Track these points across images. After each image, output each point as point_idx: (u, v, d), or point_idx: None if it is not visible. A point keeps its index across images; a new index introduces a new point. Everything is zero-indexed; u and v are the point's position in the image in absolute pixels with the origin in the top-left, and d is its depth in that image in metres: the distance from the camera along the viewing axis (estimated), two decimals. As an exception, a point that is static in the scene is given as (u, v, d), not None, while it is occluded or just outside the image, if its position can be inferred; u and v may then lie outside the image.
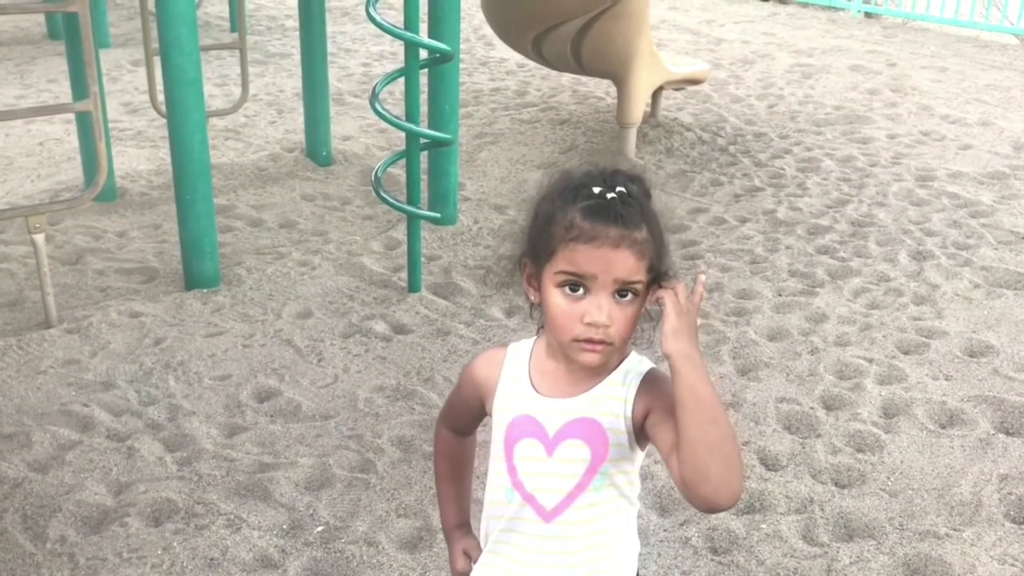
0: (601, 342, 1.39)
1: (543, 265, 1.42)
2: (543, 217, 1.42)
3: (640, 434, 1.46)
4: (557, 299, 1.40)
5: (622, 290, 1.38)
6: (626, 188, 1.40)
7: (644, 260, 1.37)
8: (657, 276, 1.41)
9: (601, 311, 1.37)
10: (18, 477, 2.81)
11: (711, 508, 1.33)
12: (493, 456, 1.55)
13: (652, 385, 1.46)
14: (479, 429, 1.72)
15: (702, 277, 1.41)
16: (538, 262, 1.43)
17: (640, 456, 1.51)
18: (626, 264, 1.36)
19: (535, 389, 1.51)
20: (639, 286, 1.39)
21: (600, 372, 1.47)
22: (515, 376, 1.53)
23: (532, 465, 1.49)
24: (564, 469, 1.47)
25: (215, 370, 3.42)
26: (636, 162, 5.64)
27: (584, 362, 1.42)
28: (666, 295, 1.36)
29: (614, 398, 1.46)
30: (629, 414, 1.45)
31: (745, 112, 6.81)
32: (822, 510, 2.77)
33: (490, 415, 1.58)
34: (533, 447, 1.49)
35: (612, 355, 1.44)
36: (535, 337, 1.56)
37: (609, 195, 1.38)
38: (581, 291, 1.39)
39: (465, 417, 1.68)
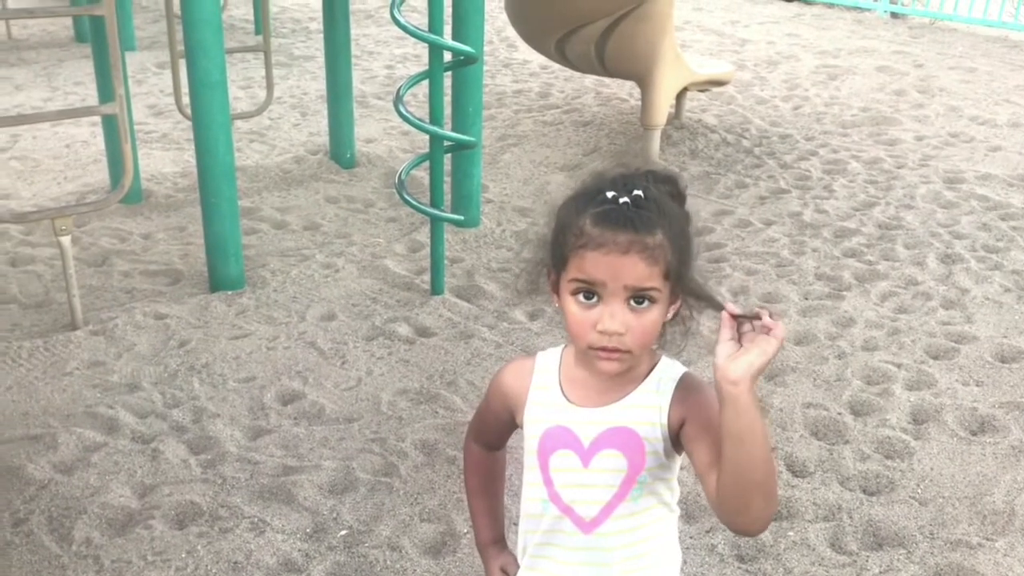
0: (616, 350, 1.36)
1: (560, 272, 1.40)
2: (560, 224, 1.40)
3: (676, 441, 1.44)
4: (572, 307, 1.38)
5: (637, 297, 1.34)
6: (644, 191, 1.35)
7: (658, 265, 1.33)
8: (679, 282, 1.37)
9: (614, 319, 1.34)
10: (44, 479, 2.82)
11: (743, 534, 1.34)
12: (527, 468, 1.53)
13: (687, 393, 1.43)
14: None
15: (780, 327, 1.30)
16: (556, 269, 1.41)
17: (678, 461, 1.48)
18: (635, 270, 1.32)
19: (567, 399, 1.48)
20: (655, 293, 1.35)
21: (632, 379, 1.44)
22: (545, 386, 1.51)
23: (568, 476, 1.47)
24: (601, 479, 1.45)
25: (239, 372, 3.42)
26: (664, 166, 5.61)
27: (602, 370, 1.39)
28: (776, 338, 1.26)
29: (649, 406, 1.43)
30: (665, 421, 1.42)
31: (770, 114, 6.75)
32: (851, 518, 2.73)
33: (521, 427, 1.56)
34: (568, 458, 1.46)
35: (634, 362, 1.41)
36: (563, 345, 1.54)
37: (621, 199, 1.34)
38: (595, 299, 1.36)
39: (495, 430, 1.65)
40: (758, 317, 1.28)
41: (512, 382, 1.55)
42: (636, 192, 1.35)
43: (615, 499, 1.45)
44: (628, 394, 1.44)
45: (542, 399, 1.51)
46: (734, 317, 1.30)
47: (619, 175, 1.40)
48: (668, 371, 1.46)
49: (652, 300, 1.35)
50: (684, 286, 1.39)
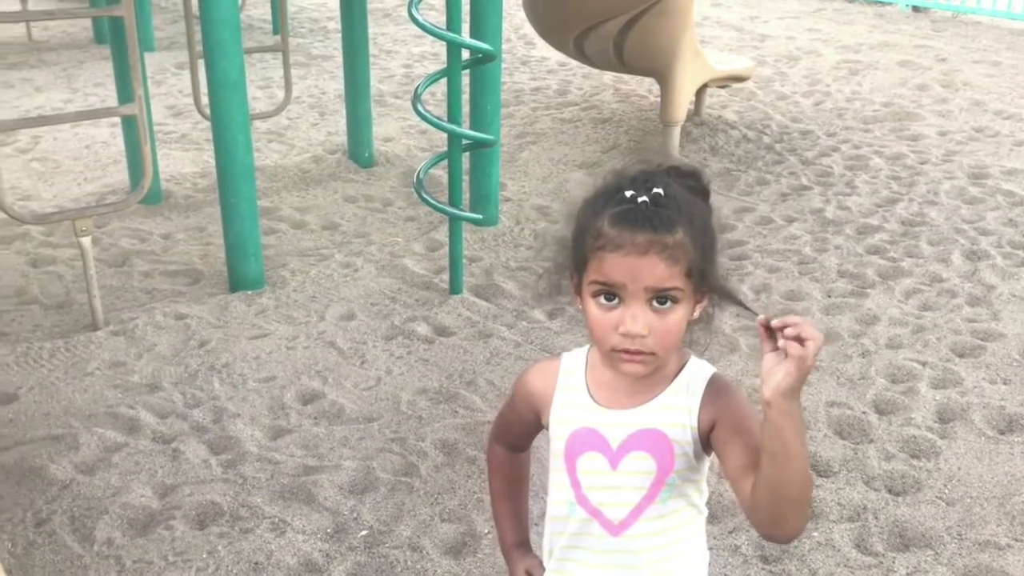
0: (639, 352, 1.33)
1: (581, 274, 1.37)
2: (579, 225, 1.37)
3: (706, 443, 1.41)
4: (593, 309, 1.35)
5: (659, 297, 1.31)
6: (664, 189, 1.32)
7: (678, 265, 1.30)
8: (703, 279, 1.34)
9: (636, 321, 1.31)
10: (66, 479, 2.83)
11: (772, 540, 1.35)
12: (554, 470, 1.51)
13: (718, 395, 1.40)
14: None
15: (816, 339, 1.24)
16: (577, 271, 1.39)
17: (707, 463, 1.46)
18: (655, 271, 1.29)
19: (594, 400, 1.46)
20: (677, 292, 1.31)
21: (661, 380, 1.42)
22: (572, 387, 1.49)
23: (596, 479, 1.45)
24: (630, 482, 1.43)
25: (259, 372, 3.42)
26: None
27: (626, 372, 1.36)
28: (809, 347, 1.21)
29: (678, 408, 1.41)
30: (695, 423, 1.40)
31: (791, 109, 6.69)
32: (876, 518, 2.69)
33: (546, 428, 1.53)
34: (596, 460, 1.44)
35: (659, 364, 1.38)
36: (588, 346, 1.51)
37: (640, 198, 1.31)
38: (616, 300, 1.33)
39: (519, 432, 1.63)
40: (784, 327, 1.23)
41: (538, 383, 1.53)
42: (655, 190, 1.32)
43: (644, 501, 1.43)
44: (657, 396, 1.42)
45: (569, 400, 1.48)
46: (766, 328, 1.26)
47: (639, 172, 1.37)
48: (697, 372, 1.43)
49: (675, 300, 1.32)
50: (708, 283, 1.36)
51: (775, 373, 1.23)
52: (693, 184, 1.38)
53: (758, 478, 1.29)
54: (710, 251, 1.35)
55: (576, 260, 1.38)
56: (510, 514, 1.70)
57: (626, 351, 1.34)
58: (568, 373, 1.50)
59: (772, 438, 1.25)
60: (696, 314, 1.38)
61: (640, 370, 1.36)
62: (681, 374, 1.43)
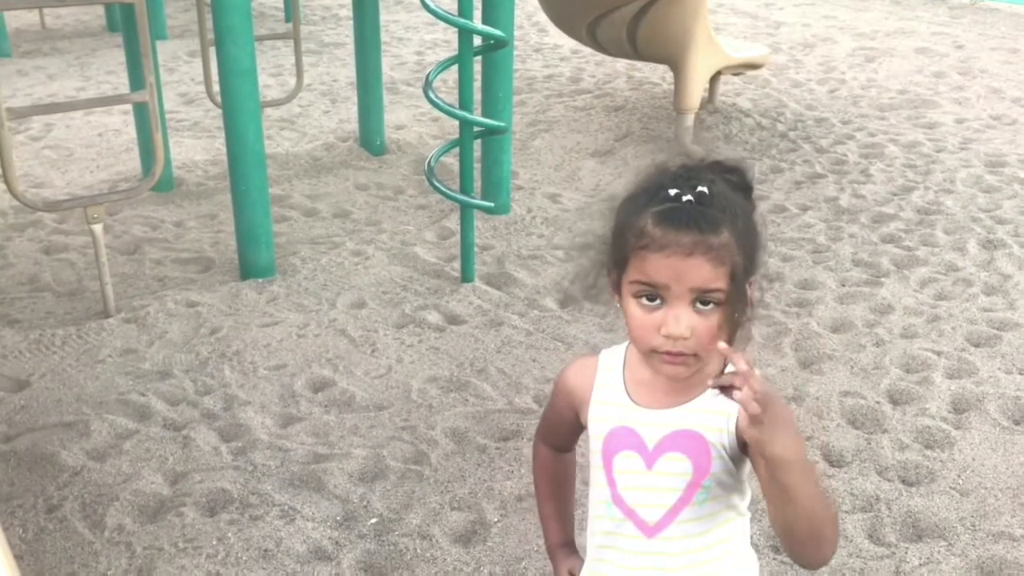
0: (681, 354, 1.29)
1: (621, 273, 1.33)
2: (620, 222, 1.33)
3: (744, 446, 1.36)
4: (634, 309, 1.31)
5: (703, 299, 1.27)
6: (708, 187, 1.27)
7: (724, 266, 1.25)
8: (746, 278, 1.29)
9: (679, 322, 1.27)
10: (77, 465, 2.83)
11: (800, 566, 1.36)
12: (592, 468, 1.48)
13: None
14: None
15: (740, 361, 1.20)
16: (617, 269, 1.34)
17: (747, 464, 1.40)
18: (701, 272, 1.25)
19: (632, 399, 1.43)
20: (720, 295, 1.27)
21: (700, 381, 1.36)
22: (609, 385, 1.46)
23: (632, 479, 1.42)
24: (665, 483, 1.39)
25: (270, 360, 3.42)
26: (734, 153, 5.54)
27: (667, 374, 1.33)
28: (737, 376, 1.17)
29: (717, 411, 1.36)
30: (732, 428, 1.36)
31: (806, 97, 6.64)
32: (889, 509, 2.67)
33: (584, 426, 1.51)
34: (632, 460, 1.41)
35: (701, 366, 1.34)
36: (627, 343, 1.47)
37: (685, 197, 1.26)
38: (658, 301, 1.29)
39: (562, 431, 1.60)
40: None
41: (576, 381, 1.50)
42: (700, 188, 1.27)
43: (679, 503, 1.39)
44: (696, 397, 1.38)
45: (606, 398, 1.45)
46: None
47: (682, 168, 1.32)
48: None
49: (717, 303, 1.28)
50: (749, 282, 1.32)
51: (770, 427, 1.19)
52: (736, 180, 1.33)
53: (775, 523, 1.28)
54: (755, 251, 1.31)
55: (616, 258, 1.34)
56: (555, 514, 1.68)
57: (668, 353, 1.30)
58: (606, 371, 1.47)
59: (767, 484, 1.23)
60: (738, 315, 1.33)
61: (682, 372, 1.32)
62: (722, 376, 1.38)
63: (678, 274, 1.26)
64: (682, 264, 1.25)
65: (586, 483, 1.51)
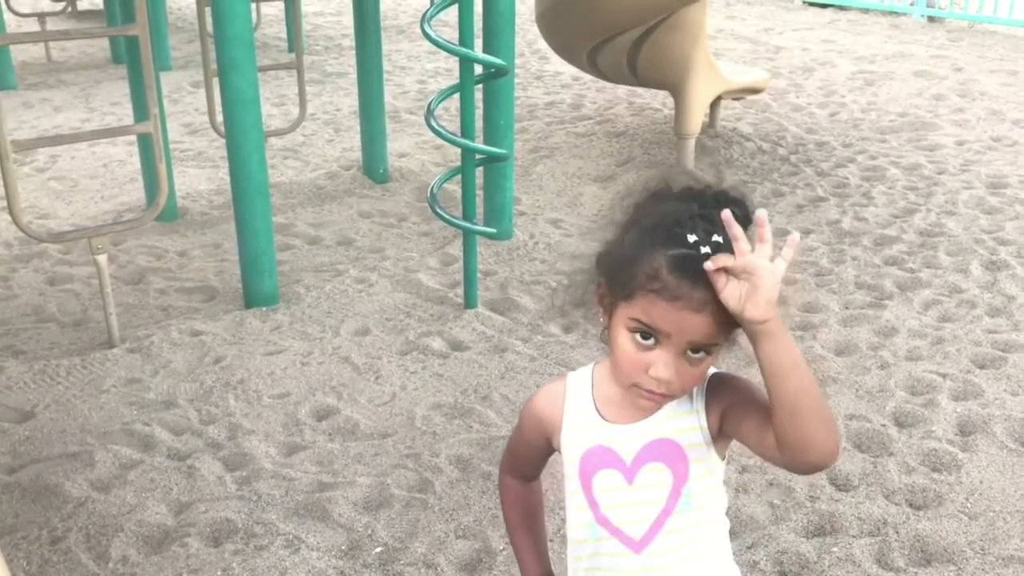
0: (662, 395, 1.34)
1: (618, 299, 1.33)
2: (629, 251, 1.30)
3: (719, 441, 1.41)
4: (625, 343, 1.32)
5: (695, 348, 1.30)
6: (722, 237, 1.25)
7: (727, 320, 1.26)
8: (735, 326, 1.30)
9: (668, 368, 1.30)
10: (81, 496, 2.83)
11: (815, 469, 1.31)
12: (570, 493, 1.49)
13: (721, 387, 1.40)
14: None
15: (795, 238, 1.26)
16: (614, 292, 1.34)
17: (722, 467, 1.45)
18: (704, 328, 1.27)
19: (603, 417, 1.45)
20: (715, 347, 1.31)
21: None
22: (580, 407, 1.48)
23: (614, 496, 1.43)
24: (647, 496, 1.42)
25: (274, 388, 3.42)
26: (721, 177, 5.55)
27: (641, 406, 1.38)
28: (786, 251, 1.23)
29: (686, 413, 1.40)
30: (704, 424, 1.40)
31: (806, 121, 6.67)
32: (897, 533, 2.65)
33: (558, 451, 1.52)
34: (612, 477, 1.43)
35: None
36: (592, 364, 1.50)
37: (703, 249, 1.24)
38: (652, 341, 1.30)
39: (531, 460, 1.61)
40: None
41: (545, 407, 1.52)
42: (716, 239, 1.26)
43: (663, 515, 1.42)
44: (664, 405, 1.41)
45: (578, 421, 1.47)
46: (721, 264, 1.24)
47: (691, 199, 1.31)
48: None
49: (709, 352, 1.32)
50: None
51: (756, 290, 1.21)
52: (738, 213, 1.31)
53: (775, 407, 1.26)
54: None
55: (617, 283, 1.32)
56: (531, 546, 1.68)
57: (650, 391, 1.33)
58: (575, 393, 1.49)
59: (776, 351, 1.24)
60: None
61: (655, 409, 1.38)
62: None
63: (683, 326, 1.27)
64: (690, 319, 1.27)
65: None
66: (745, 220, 1.32)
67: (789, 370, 1.25)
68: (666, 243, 1.27)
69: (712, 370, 1.43)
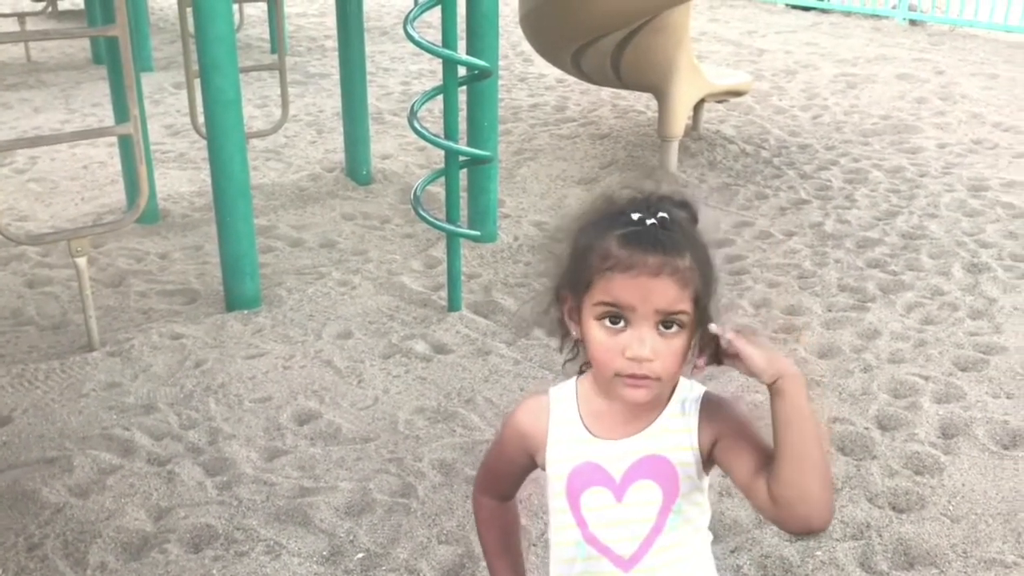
0: (645, 377, 1.30)
1: (582, 297, 1.33)
2: (581, 247, 1.33)
3: (707, 461, 1.39)
4: (597, 332, 1.31)
5: (666, 321, 1.29)
6: (669, 213, 1.31)
7: (688, 288, 1.27)
8: (705, 307, 1.31)
9: (643, 344, 1.28)
10: (59, 502, 2.79)
11: (807, 529, 1.30)
12: (555, 511, 1.45)
13: (715, 410, 1.38)
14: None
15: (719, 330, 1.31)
16: (577, 294, 1.34)
17: (707, 481, 1.43)
18: (667, 293, 1.26)
19: (591, 433, 1.41)
20: (684, 317, 1.29)
21: (656, 405, 1.38)
22: (566, 421, 1.43)
23: (603, 515, 1.40)
24: (637, 514, 1.39)
25: (255, 392, 3.39)
26: (678, 181, 5.56)
27: (629, 399, 1.32)
28: (736, 340, 1.29)
29: (678, 430, 1.38)
30: (695, 444, 1.37)
31: (789, 123, 6.69)
32: (880, 536, 2.65)
33: (542, 468, 1.48)
34: (601, 495, 1.40)
35: (661, 390, 1.35)
36: (575, 377, 1.47)
37: (649, 221, 1.29)
38: (622, 323, 1.29)
39: (510, 477, 1.56)
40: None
41: (528, 422, 1.47)
42: (662, 214, 1.30)
43: (653, 532, 1.39)
44: (654, 420, 1.39)
45: (564, 436, 1.43)
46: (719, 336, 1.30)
47: (639, 197, 1.35)
48: (689, 392, 1.41)
49: (681, 325, 1.30)
50: (710, 311, 1.33)
51: (774, 347, 1.26)
52: (685, 214, 1.35)
53: (780, 458, 1.27)
54: (710, 280, 1.33)
55: (577, 283, 1.33)
56: (508, 568, 1.62)
57: (632, 376, 1.30)
58: (559, 407, 1.45)
59: (790, 406, 1.26)
60: (696, 342, 1.35)
61: (644, 396, 1.32)
62: (674, 396, 1.40)
63: (645, 295, 1.27)
64: (649, 284, 1.26)
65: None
66: (692, 220, 1.36)
67: (797, 424, 1.27)
68: (612, 227, 1.30)
69: (703, 388, 1.41)
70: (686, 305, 1.28)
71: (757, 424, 1.33)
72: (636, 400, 1.33)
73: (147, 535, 2.67)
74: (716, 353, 1.31)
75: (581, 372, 1.46)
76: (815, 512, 1.27)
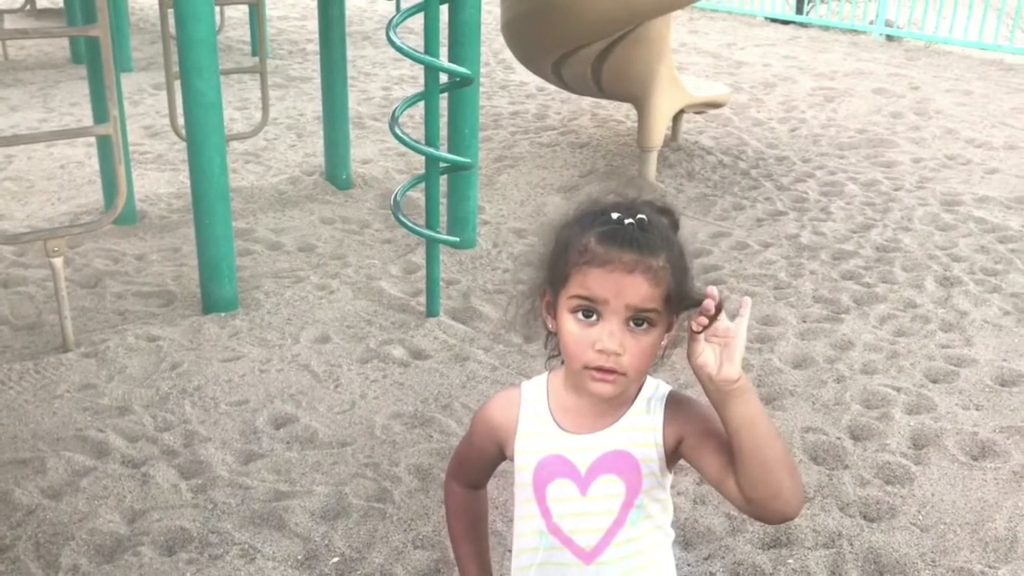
0: (612, 371, 1.34)
1: (559, 291, 1.39)
2: (562, 242, 1.40)
3: (671, 458, 1.44)
4: (570, 325, 1.36)
5: (637, 318, 1.34)
6: (649, 217, 1.36)
7: (660, 288, 1.33)
8: (676, 307, 1.36)
9: (613, 338, 1.33)
10: (32, 504, 2.77)
11: (783, 519, 1.35)
12: (520, 501, 1.49)
13: (679, 408, 1.43)
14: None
15: (748, 300, 1.36)
16: (555, 288, 1.40)
17: (670, 479, 1.48)
18: (639, 290, 1.32)
19: (559, 426, 1.46)
20: (654, 315, 1.34)
21: (623, 402, 1.44)
22: (536, 415, 1.48)
23: (567, 506, 1.44)
24: (600, 507, 1.43)
25: (231, 395, 3.38)
26: (659, 190, 5.60)
27: (596, 392, 1.37)
28: (736, 323, 1.32)
29: (643, 427, 1.43)
30: (660, 441, 1.42)
31: (767, 136, 6.75)
32: (851, 545, 2.69)
33: (511, 459, 1.52)
34: (566, 487, 1.44)
35: (628, 386, 1.40)
36: (547, 373, 1.52)
37: (627, 221, 1.35)
38: (594, 317, 1.35)
39: (480, 468, 1.62)
40: (710, 311, 1.31)
41: (499, 414, 1.52)
42: (640, 216, 1.36)
43: (614, 526, 1.43)
44: (621, 417, 1.44)
45: (533, 429, 1.48)
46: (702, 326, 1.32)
47: (621, 200, 1.41)
48: (655, 391, 1.46)
49: (651, 323, 1.35)
50: (683, 307, 1.38)
51: (732, 351, 1.29)
52: (666, 220, 1.41)
53: (742, 458, 1.32)
54: (684, 281, 1.38)
55: (555, 277, 1.39)
56: (474, 555, 1.67)
57: (599, 369, 1.35)
58: (530, 401, 1.50)
59: (747, 407, 1.30)
60: (664, 342, 1.40)
61: (610, 390, 1.36)
62: (640, 394, 1.45)
63: (618, 290, 1.32)
64: (622, 280, 1.31)
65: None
66: (675, 228, 1.41)
67: (761, 425, 1.30)
68: (593, 224, 1.36)
69: (668, 387, 1.46)
70: (657, 304, 1.33)
71: (719, 420, 1.37)
72: (602, 394, 1.37)
73: (121, 537, 2.66)
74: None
75: (551, 368, 1.50)
76: (789, 504, 1.33)
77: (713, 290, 1.31)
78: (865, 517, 2.81)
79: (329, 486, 2.89)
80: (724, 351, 1.30)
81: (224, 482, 2.90)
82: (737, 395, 1.30)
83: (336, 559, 2.59)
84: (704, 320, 1.30)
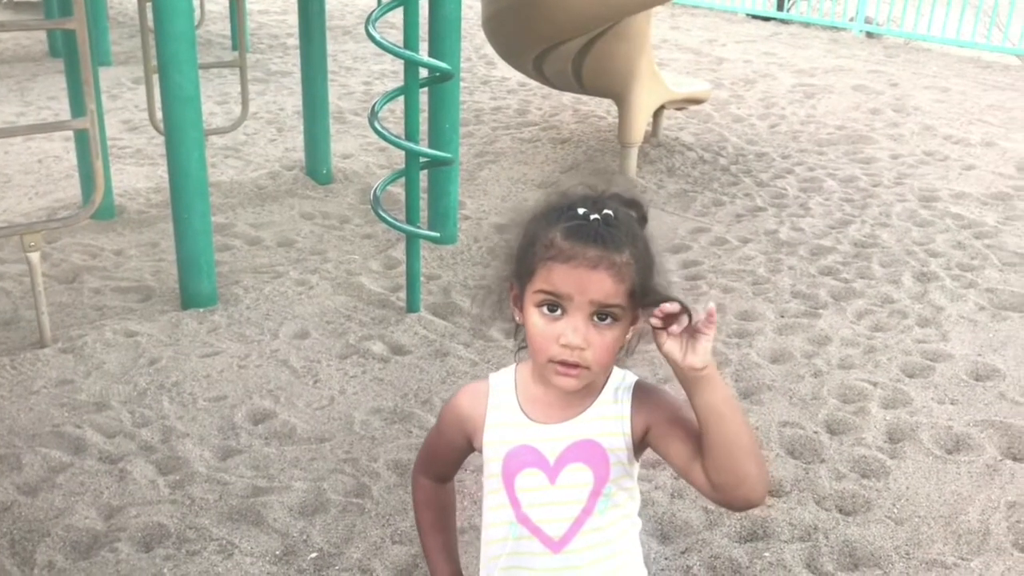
0: (576, 365, 1.36)
1: (525, 285, 1.40)
2: (528, 237, 1.41)
3: (638, 447, 1.46)
4: (535, 319, 1.38)
5: (601, 313, 1.35)
6: (614, 211, 1.37)
7: (624, 284, 1.34)
8: (641, 302, 1.37)
9: (576, 333, 1.34)
10: (7, 500, 2.75)
11: (748, 506, 1.37)
12: (489, 492, 1.51)
13: (646, 397, 1.45)
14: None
15: (712, 306, 1.36)
16: (521, 282, 1.42)
17: (637, 468, 1.49)
18: (603, 286, 1.33)
19: (528, 417, 1.47)
20: (618, 311, 1.35)
21: (590, 392, 1.45)
22: (504, 406, 1.50)
23: (536, 495, 1.46)
24: (568, 496, 1.45)
25: (210, 391, 3.37)
26: (635, 184, 5.62)
27: (560, 386, 1.39)
28: (709, 315, 1.33)
29: (611, 417, 1.44)
30: (628, 430, 1.44)
31: (747, 132, 6.78)
32: (827, 538, 2.71)
33: (479, 451, 1.53)
34: (535, 477, 1.46)
35: (592, 380, 1.41)
36: (515, 364, 1.53)
37: (592, 216, 1.35)
38: (559, 311, 1.36)
39: (448, 460, 1.63)
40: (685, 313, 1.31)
41: (468, 406, 1.54)
42: (606, 211, 1.37)
43: (583, 514, 1.45)
44: (588, 407, 1.45)
45: (502, 420, 1.49)
46: (667, 316, 1.32)
47: (586, 196, 1.41)
48: (622, 381, 1.47)
49: (615, 318, 1.36)
50: (647, 303, 1.39)
51: (698, 341, 1.30)
52: (634, 213, 1.42)
53: (709, 446, 1.33)
54: (650, 276, 1.39)
55: (522, 271, 1.40)
56: (442, 546, 1.69)
57: (563, 363, 1.36)
58: (498, 393, 1.51)
59: (714, 395, 1.31)
60: (629, 335, 1.41)
61: (573, 384, 1.38)
62: (608, 384, 1.46)
63: (581, 285, 1.33)
64: (586, 276, 1.33)
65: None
66: (642, 220, 1.42)
67: (727, 412, 1.32)
68: (559, 219, 1.37)
69: (635, 377, 1.47)
70: (621, 299, 1.35)
71: (688, 410, 1.39)
72: (566, 388, 1.39)
73: (97, 534, 2.65)
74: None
75: (519, 359, 1.52)
76: (754, 491, 1.35)
77: (712, 307, 1.32)
78: (841, 510, 2.84)
79: (307, 482, 2.89)
80: (689, 341, 1.31)
81: (202, 478, 2.89)
82: (705, 382, 1.31)
83: (314, 555, 2.59)
84: (657, 322, 1.32)
